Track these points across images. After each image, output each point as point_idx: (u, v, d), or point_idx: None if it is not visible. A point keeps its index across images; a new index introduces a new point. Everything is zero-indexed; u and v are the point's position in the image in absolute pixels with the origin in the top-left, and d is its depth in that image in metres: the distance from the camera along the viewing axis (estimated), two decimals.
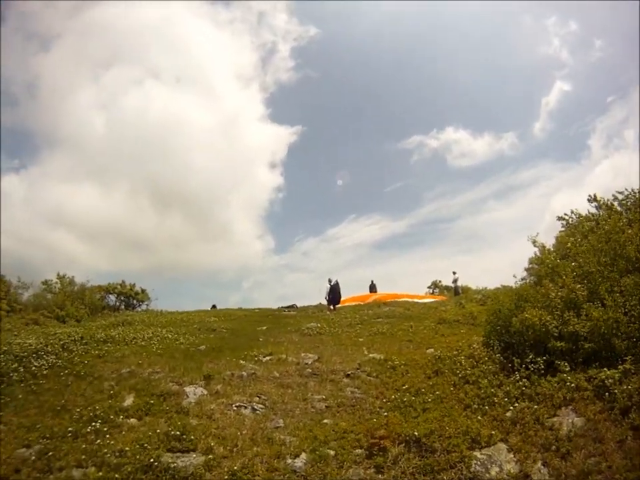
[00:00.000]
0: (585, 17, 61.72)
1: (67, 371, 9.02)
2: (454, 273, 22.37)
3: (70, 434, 6.12)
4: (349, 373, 8.11)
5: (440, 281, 30.63)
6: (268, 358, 9.45)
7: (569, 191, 62.90)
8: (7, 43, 55.67)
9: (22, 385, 8.50)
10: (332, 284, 18.53)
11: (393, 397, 6.74)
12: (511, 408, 5.78)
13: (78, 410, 6.94)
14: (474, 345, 8.01)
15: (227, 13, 69.98)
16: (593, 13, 57.31)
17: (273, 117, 74.47)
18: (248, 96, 66.69)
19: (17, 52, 58.20)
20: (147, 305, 25.84)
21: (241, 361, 9.23)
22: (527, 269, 13.89)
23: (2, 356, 9.56)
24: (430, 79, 68.71)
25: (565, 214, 11.75)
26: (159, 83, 62.44)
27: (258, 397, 7.17)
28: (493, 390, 6.29)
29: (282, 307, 21.25)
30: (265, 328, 14.16)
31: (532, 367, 6.40)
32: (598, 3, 56.34)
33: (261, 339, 12.17)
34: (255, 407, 6.80)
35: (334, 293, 18.47)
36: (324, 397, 7.15)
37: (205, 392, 7.40)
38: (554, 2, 62.00)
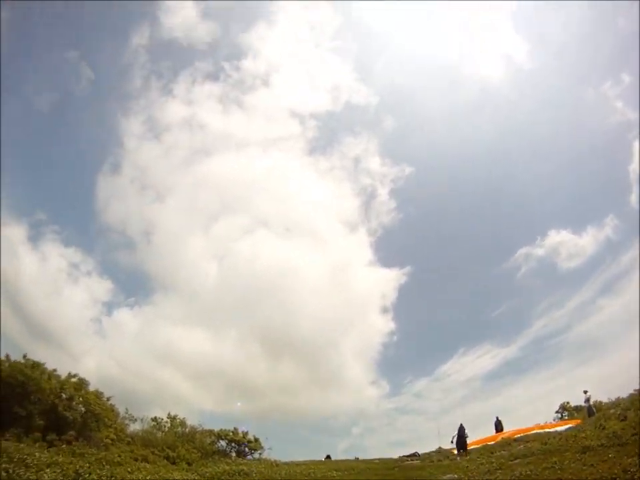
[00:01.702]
0: (633, 68, 62.98)
1: None
2: (585, 392, 20.12)
3: None
4: None
5: (568, 403, 26.95)
6: None
7: None
8: (125, 191, 67.61)
9: None
10: (459, 429, 18.02)
11: None
12: None
13: None
14: (630, 469, 7.74)
15: (326, 162, 78.34)
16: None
17: (381, 261, 78.25)
18: (355, 241, 72.18)
19: (134, 200, 69.13)
20: (260, 453, 25.17)
21: None
22: None
23: None
24: (522, 189, 72.09)
25: None
26: (268, 232, 68.77)
27: None
28: None
29: (403, 456, 20.12)
30: None
31: None
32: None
33: None
34: None
35: (461, 437, 17.74)
36: None
37: None
38: (600, 66, 64.91)
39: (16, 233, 54.12)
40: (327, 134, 79.79)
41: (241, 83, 71.27)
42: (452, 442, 17.77)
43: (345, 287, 68.77)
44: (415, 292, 76.14)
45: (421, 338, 73.78)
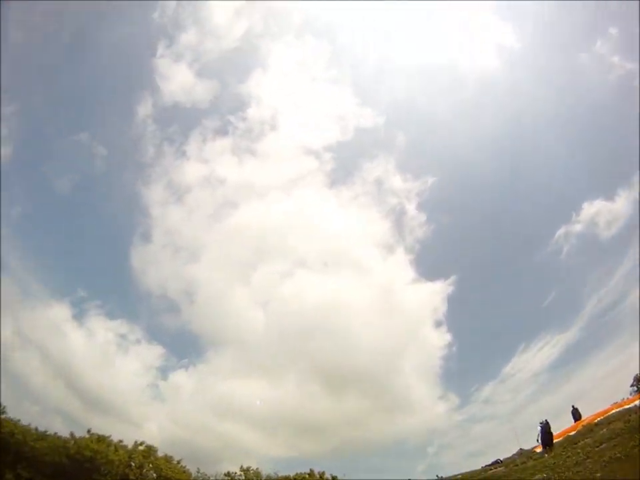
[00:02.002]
0: (617, 19, 61.17)
1: None
2: None
3: None
4: None
5: None
6: None
7: None
8: (159, 257, 68.15)
9: None
10: (542, 424, 17.58)
11: None
12: None
13: None
14: None
15: (348, 191, 77.05)
16: None
17: (424, 275, 76.12)
18: (395, 262, 70.86)
19: (169, 264, 69.29)
20: None
21: None
22: None
23: None
24: (544, 169, 70.93)
25: None
26: (307, 271, 68.49)
27: None
28: None
29: (486, 466, 19.56)
30: None
31: None
32: None
33: None
34: None
35: (547, 433, 17.28)
36: None
37: None
38: (586, 26, 64.09)
39: (60, 313, 56.55)
40: (344, 163, 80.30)
41: (250, 131, 73.71)
42: (538, 440, 17.24)
43: (394, 309, 67.43)
44: (464, 299, 73.82)
45: (479, 343, 71.07)
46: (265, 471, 25.35)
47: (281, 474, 25.39)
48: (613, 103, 68.11)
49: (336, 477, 25.46)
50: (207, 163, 74.46)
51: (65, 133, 71.56)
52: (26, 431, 21.70)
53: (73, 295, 61.26)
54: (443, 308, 69.82)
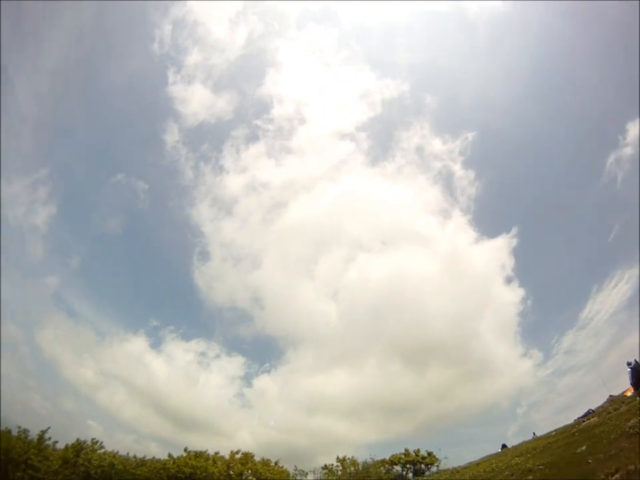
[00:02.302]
0: None
1: None
2: None
3: None
4: None
5: None
6: None
7: None
8: (221, 271, 70.18)
9: None
10: (632, 365, 16.54)
11: None
12: None
13: None
14: None
15: (391, 165, 76.40)
16: None
17: (486, 233, 74.56)
18: (453, 226, 70.11)
19: (233, 276, 71.72)
20: (437, 466, 25.10)
21: None
22: None
23: None
24: (579, 98, 65.30)
25: None
26: (368, 254, 69.64)
27: None
28: None
29: (578, 418, 18.75)
30: (584, 448, 12.72)
31: None
32: None
33: None
34: None
35: (636, 375, 16.20)
36: None
37: None
38: None
39: (137, 345, 61.43)
40: (380, 139, 79.41)
41: (280, 131, 74.54)
42: (631, 383, 16.24)
43: (461, 273, 65.65)
44: (529, 249, 70.71)
45: (552, 293, 67.68)
46: (361, 458, 26.26)
47: (377, 458, 26.23)
48: (623, 19, 60.15)
49: (431, 452, 25.78)
50: (245, 172, 75.83)
51: (102, 177, 75.86)
52: (125, 460, 23.86)
53: (146, 326, 66.22)
54: (510, 263, 66.94)
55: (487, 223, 77.85)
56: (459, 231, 68.85)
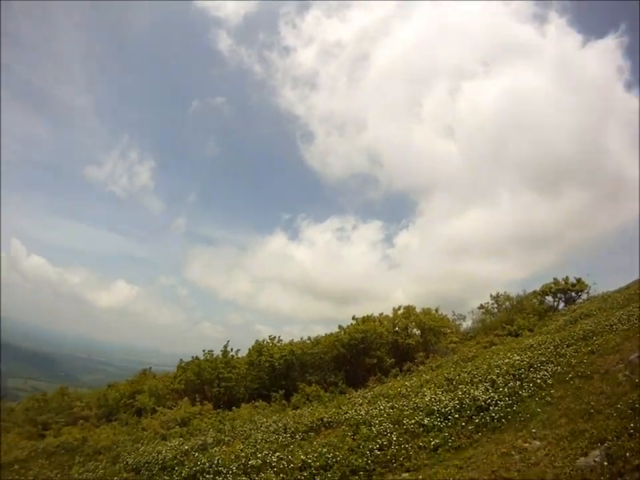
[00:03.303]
0: None
1: (570, 375, 8.85)
2: None
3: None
4: None
5: None
6: None
7: None
8: (329, 145, 70.76)
9: (534, 398, 9.04)
10: None
11: None
12: None
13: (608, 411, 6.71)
14: None
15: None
16: None
17: (591, 33, 60.72)
18: (553, 29, 58.46)
19: (342, 145, 70.26)
20: (587, 292, 23.90)
21: None
22: None
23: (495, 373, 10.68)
24: None
25: None
26: (471, 80, 61.74)
27: None
28: None
29: None
30: None
31: None
32: None
33: None
34: None
35: None
36: None
37: None
38: None
39: (278, 242, 67.71)
40: None
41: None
42: None
43: (574, 82, 55.10)
44: None
45: None
46: (510, 292, 26.29)
47: (528, 291, 25.69)
48: None
49: (580, 278, 24.33)
50: (312, 41, 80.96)
51: (180, 110, 73.04)
52: (302, 344, 25.47)
53: (280, 223, 71.78)
54: (626, 64, 51.41)
55: (590, 20, 58.50)
56: (561, 35, 53.93)
